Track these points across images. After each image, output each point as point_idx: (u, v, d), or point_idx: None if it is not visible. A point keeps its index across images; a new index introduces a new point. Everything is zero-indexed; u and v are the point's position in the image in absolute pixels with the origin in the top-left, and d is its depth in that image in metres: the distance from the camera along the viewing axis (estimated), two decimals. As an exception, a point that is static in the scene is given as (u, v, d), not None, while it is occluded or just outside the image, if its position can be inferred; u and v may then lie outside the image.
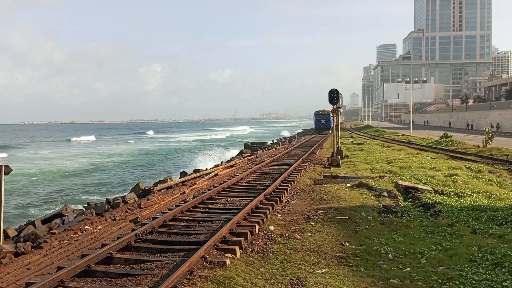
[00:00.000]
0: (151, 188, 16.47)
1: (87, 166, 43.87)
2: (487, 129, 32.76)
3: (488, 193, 12.99)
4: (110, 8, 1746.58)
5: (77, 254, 8.32)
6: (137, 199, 14.79)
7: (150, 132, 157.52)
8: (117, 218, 11.52)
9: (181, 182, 17.44)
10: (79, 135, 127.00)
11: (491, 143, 30.33)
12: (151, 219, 10.15)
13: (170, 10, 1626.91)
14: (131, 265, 7.10)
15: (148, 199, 13.89)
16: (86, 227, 10.51)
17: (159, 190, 15.78)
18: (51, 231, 10.66)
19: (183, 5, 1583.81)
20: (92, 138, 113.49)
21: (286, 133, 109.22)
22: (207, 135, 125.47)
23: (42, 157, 57.41)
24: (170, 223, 9.73)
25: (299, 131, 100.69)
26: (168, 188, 16.32)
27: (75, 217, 12.54)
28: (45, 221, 12.91)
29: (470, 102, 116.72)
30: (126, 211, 12.34)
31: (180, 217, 10.23)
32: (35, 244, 9.57)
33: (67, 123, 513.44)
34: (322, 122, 66.51)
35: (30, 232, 10.81)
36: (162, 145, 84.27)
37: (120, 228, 10.47)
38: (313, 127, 76.28)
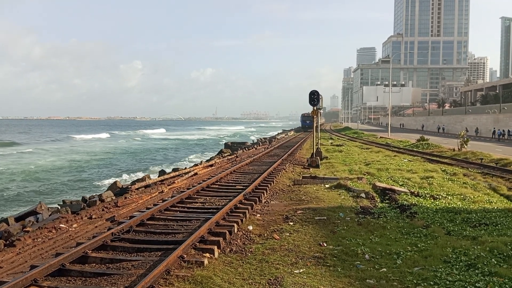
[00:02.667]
0: (129, 186, 16.27)
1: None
2: (462, 133, 33.47)
3: (462, 196, 13.27)
4: (95, 4, 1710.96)
5: (51, 252, 8.13)
6: (114, 198, 14.59)
7: (162, 130, 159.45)
8: (93, 216, 11.32)
9: (160, 181, 17.27)
10: (87, 132, 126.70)
11: (466, 147, 31.03)
12: (128, 218, 10.03)
13: (155, 8, 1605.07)
14: (107, 265, 6.99)
15: (125, 198, 13.70)
16: (61, 225, 10.29)
17: (137, 189, 15.59)
18: (24, 229, 10.40)
19: (168, 4, 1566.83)
20: (105, 135, 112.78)
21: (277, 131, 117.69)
22: (210, 133, 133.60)
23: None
24: (148, 222, 9.62)
25: (280, 131, 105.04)
26: (146, 186, 16.14)
27: (49, 215, 12.28)
28: (18, 218, 12.60)
29: (447, 106, 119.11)
30: (103, 210, 12.13)
31: (158, 216, 10.13)
32: (8, 242, 9.31)
33: (43, 119, 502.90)
34: (307, 122, 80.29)
35: (3, 230, 10.53)
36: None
37: (96, 226, 10.29)
38: (296, 126, 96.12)
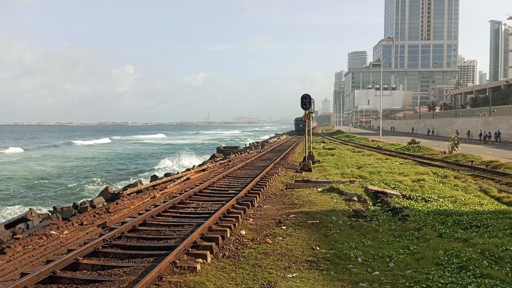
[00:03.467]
0: (120, 192, 16.17)
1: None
2: (452, 136, 33.74)
3: (453, 198, 13.34)
4: (87, 9, 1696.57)
5: (42, 260, 8.05)
6: (105, 203, 14.49)
7: (162, 135, 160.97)
8: (84, 222, 11.23)
9: (152, 186, 17.19)
10: (87, 137, 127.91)
11: (456, 149, 31.28)
12: (120, 223, 9.95)
13: (148, 13, 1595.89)
14: (98, 271, 6.93)
15: (117, 203, 13.61)
16: (51, 232, 10.20)
17: (129, 194, 15.50)
18: (15, 236, 10.29)
19: (161, 9, 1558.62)
20: (106, 140, 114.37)
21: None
22: (207, 138, 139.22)
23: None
24: (140, 227, 9.56)
25: (272, 135, 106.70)
26: (138, 192, 16.05)
27: (40, 222, 12.17)
28: (8, 225, 12.45)
29: (437, 109, 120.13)
30: (94, 216, 12.05)
31: (150, 222, 10.07)
32: (-3, 249, 9.21)
33: (33, 125, 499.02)
34: (301, 126, 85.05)
35: (-8, 237, 10.40)
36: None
37: (87, 233, 10.21)
38: (288, 130, 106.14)
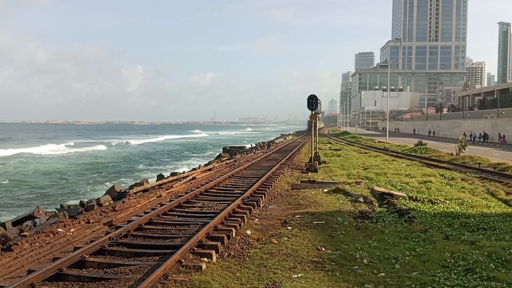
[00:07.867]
0: (127, 190, 16.23)
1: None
2: (460, 138, 33.54)
3: (460, 200, 13.27)
4: (100, 10, 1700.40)
5: (48, 257, 8.10)
6: (112, 202, 14.54)
7: (203, 134, 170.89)
8: (91, 221, 11.29)
9: (158, 185, 17.24)
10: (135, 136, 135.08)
11: (464, 151, 31.08)
12: (126, 222, 10.01)
13: (159, 14, 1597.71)
14: (105, 269, 6.97)
15: (123, 202, 13.66)
16: (58, 229, 10.26)
17: (135, 193, 15.55)
18: (22, 234, 10.36)
19: (173, 11, 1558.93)
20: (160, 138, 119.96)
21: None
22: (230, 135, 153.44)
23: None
24: (146, 226, 9.60)
25: (278, 135, 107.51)
26: (144, 191, 16.10)
27: (47, 220, 12.24)
28: (16, 223, 12.54)
29: (445, 111, 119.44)
30: (101, 214, 12.10)
31: (156, 221, 10.11)
32: (5, 246, 9.27)
33: (41, 123, 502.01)
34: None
35: (0, 234, 10.48)
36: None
37: (93, 231, 10.26)
38: (295, 130, 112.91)
